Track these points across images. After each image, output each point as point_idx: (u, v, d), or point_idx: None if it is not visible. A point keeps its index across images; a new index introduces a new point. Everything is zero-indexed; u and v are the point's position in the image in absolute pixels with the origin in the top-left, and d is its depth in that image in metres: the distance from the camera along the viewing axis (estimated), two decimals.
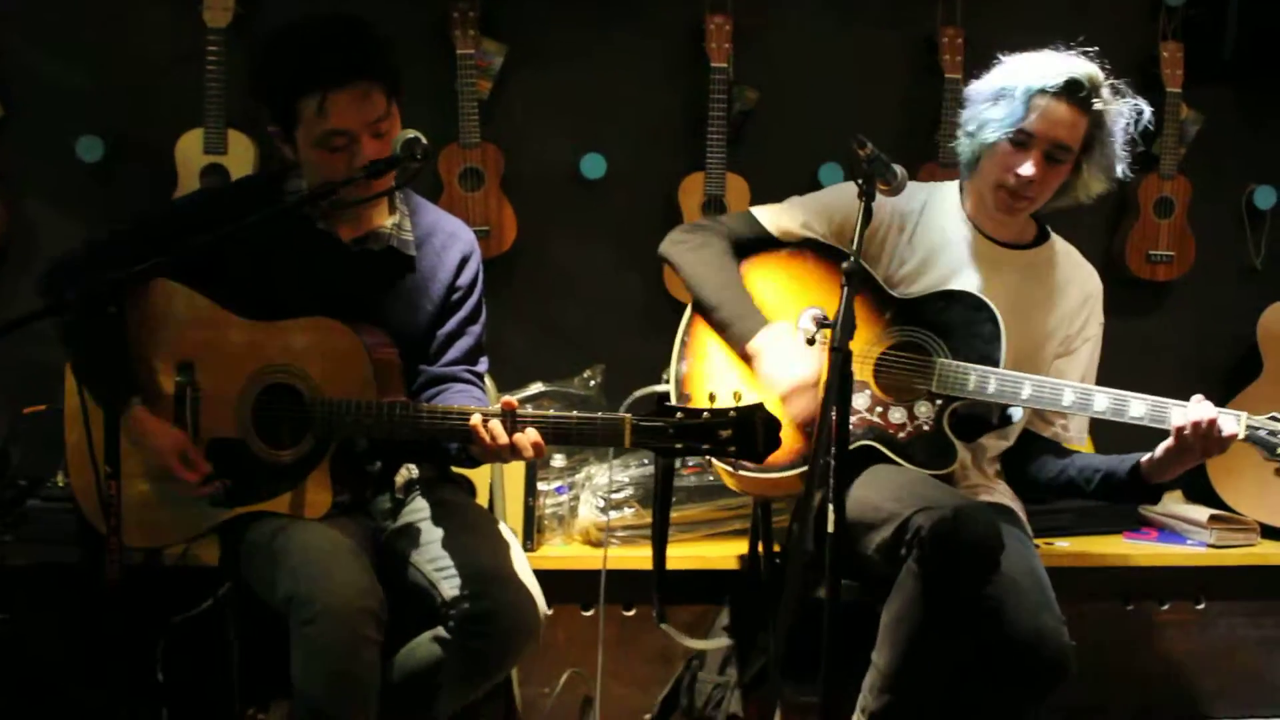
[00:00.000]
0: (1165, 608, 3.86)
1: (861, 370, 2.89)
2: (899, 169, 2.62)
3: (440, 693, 2.62)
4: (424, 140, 2.47)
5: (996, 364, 2.80)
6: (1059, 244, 3.08)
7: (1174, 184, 4.19)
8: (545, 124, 4.09)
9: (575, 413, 2.49)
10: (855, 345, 2.86)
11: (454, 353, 2.81)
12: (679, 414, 2.40)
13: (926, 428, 2.83)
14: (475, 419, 2.45)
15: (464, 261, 2.83)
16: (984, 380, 2.79)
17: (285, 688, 2.46)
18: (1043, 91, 2.80)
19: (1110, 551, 3.87)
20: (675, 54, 4.09)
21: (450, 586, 2.55)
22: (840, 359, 2.22)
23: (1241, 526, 3.93)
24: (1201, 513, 3.94)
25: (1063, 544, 3.87)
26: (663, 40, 4.10)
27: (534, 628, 2.56)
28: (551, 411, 2.49)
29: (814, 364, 2.79)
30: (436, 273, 2.80)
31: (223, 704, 2.92)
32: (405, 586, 2.63)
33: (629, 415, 2.43)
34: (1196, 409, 2.66)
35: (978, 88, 2.91)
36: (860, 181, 2.47)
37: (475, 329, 2.84)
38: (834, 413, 2.26)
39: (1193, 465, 2.73)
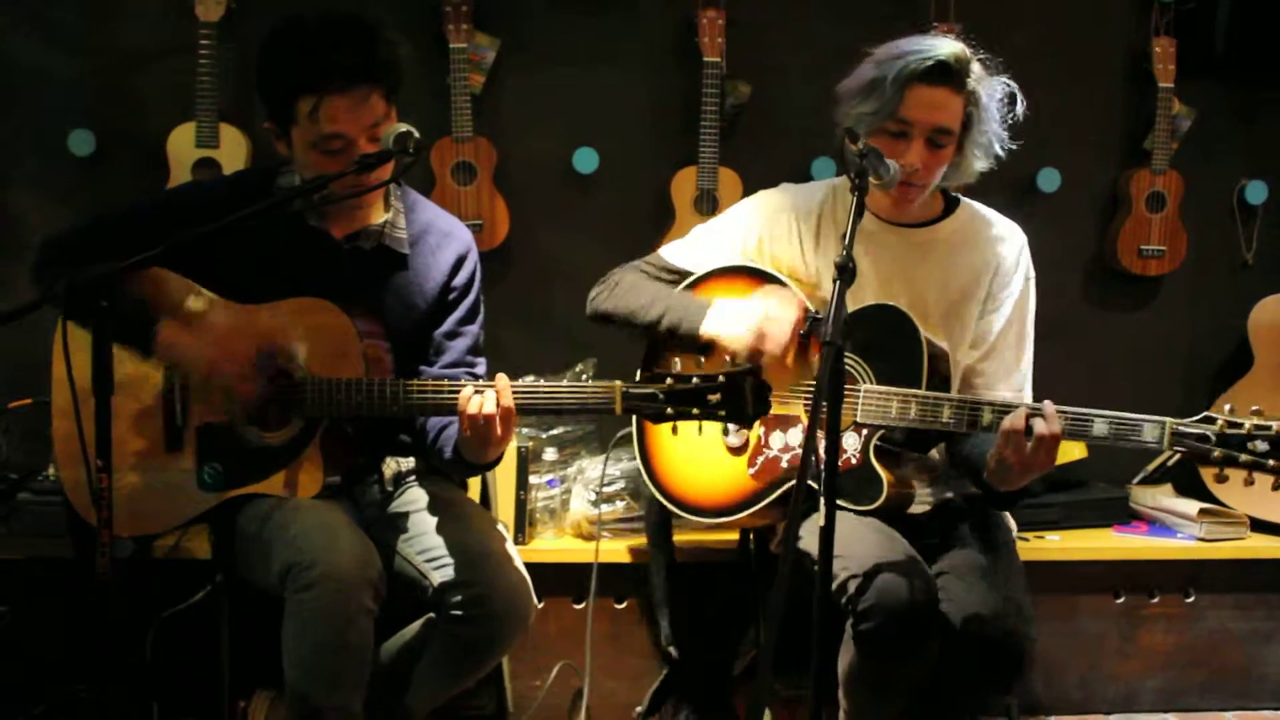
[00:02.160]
0: (1155, 600, 3.87)
1: (793, 405, 2.86)
2: (892, 163, 2.63)
3: (429, 680, 2.64)
4: (416, 134, 2.47)
5: (918, 381, 2.70)
6: (968, 210, 2.99)
7: (1166, 179, 4.20)
8: (538, 118, 4.09)
9: (566, 382, 2.52)
10: (786, 379, 2.85)
11: (452, 354, 2.81)
12: (669, 380, 2.42)
13: (854, 460, 2.75)
14: (467, 391, 2.47)
15: (459, 262, 2.82)
16: (905, 407, 2.68)
17: (268, 677, 2.46)
18: (913, 77, 2.71)
19: (1100, 545, 3.89)
20: (668, 48, 4.09)
21: (441, 575, 2.56)
22: (832, 353, 2.22)
23: (1231, 520, 3.94)
24: (1191, 506, 3.95)
25: (1053, 538, 3.89)
26: (655, 34, 4.10)
27: (525, 614, 2.57)
28: (542, 383, 2.50)
29: (763, 301, 2.79)
30: (430, 272, 2.79)
31: (212, 695, 2.92)
32: (394, 577, 2.63)
33: (619, 383, 2.46)
34: (1010, 416, 2.53)
35: (846, 85, 2.82)
36: (854, 176, 2.47)
37: (472, 329, 2.85)
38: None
39: (1025, 476, 2.57)
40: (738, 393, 2.40)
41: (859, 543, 2.62)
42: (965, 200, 3.00)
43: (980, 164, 2.85)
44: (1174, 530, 3.98)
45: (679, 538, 3.51)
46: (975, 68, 2.78)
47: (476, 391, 2.48)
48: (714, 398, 2.40)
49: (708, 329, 2.81)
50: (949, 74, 2.74)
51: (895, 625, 2.54)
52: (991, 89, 2.81)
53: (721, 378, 2.41)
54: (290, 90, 2.54)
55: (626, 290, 2.98)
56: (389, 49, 2.59)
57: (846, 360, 2.77)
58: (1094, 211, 4.34)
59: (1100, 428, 2.53)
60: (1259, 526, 3.98)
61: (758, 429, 2.89)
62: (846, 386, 2.73)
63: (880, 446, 2.75)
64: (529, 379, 3.69)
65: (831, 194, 3.00)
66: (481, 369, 2.84)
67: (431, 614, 2.61)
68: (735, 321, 2.80)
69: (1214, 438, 2.43)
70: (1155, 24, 4.16)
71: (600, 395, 2.48)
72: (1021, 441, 2.52)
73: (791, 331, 2.77)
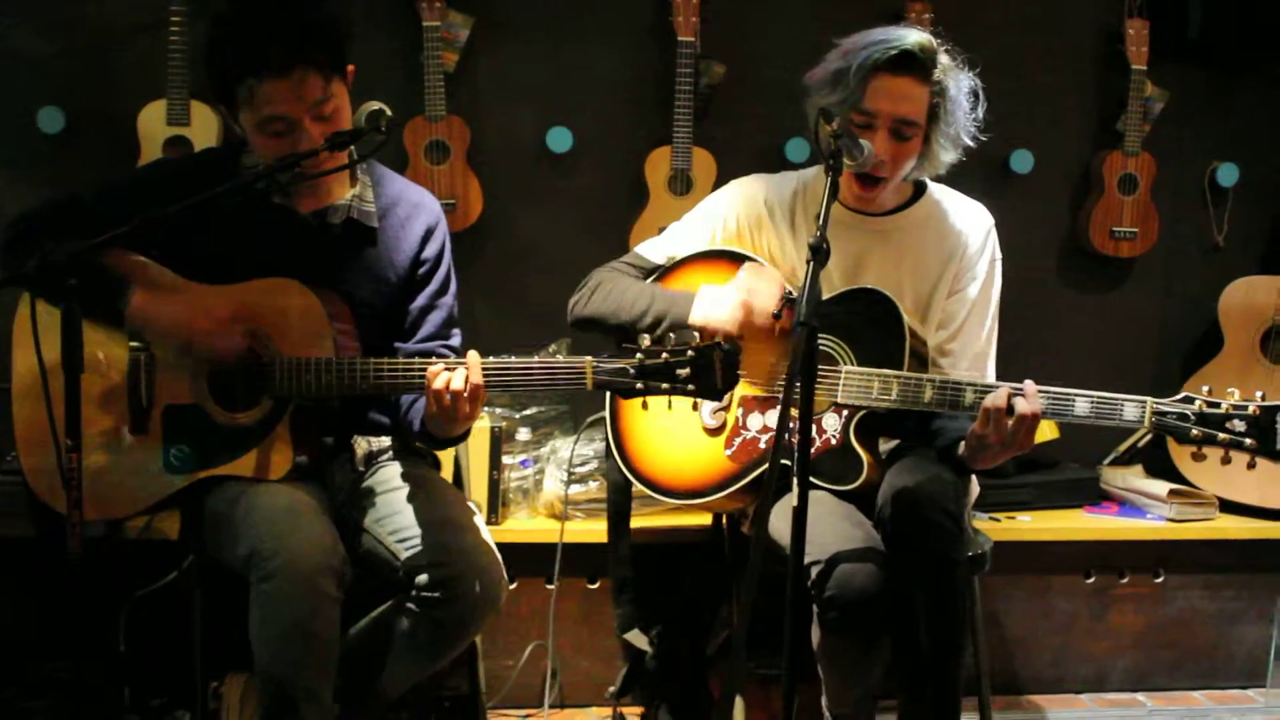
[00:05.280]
0: (1124, 580, 3.90)
1: (772, 387, 2.87)
2: (866, 144, 2.63)
3: (401, 662, 2.63)
4: (388, 112, 2.46)
5: (899, 364, 2.71)
6: (935, 194, 2.99)
7: (1138, 161, 4.21)
8: (511, 97, 4.07)
9: (537, 358, 2.52)
10: (766, 360, 2.87)
11: (428, 328, 2.80)
12: (639, 355, 2.44)
13: (834, 441, 2.76)
14: (436, 367, 2.48)
15: (428, 233, 2.81)
16: (886, 387, 2.70)
17: (242, 660, 2.46)
18: (876, 68, 2.70)
19: (1071, 525, 3.92)
20: (642, 27, 4.08)
21: (411, 555, 2.56)
22: (807, 333, 2.22)
23: (1200, 501, 3.97)
24: (1161, 487, 3.98)
25: (1024, 518, 3.91)
26: (630, 13, 4.09)
27: (495, 596, 2.57)
28: (513, 359, 2.50)
29: (745, 276, 2.82)
30: (400, 244, 2.78)
31: (184, 676, 2.91)
32: (364, 556, 2.64)
33: (589, 358, 2.47)
34: (992, 395, 2.56)
35: (813, 75, 2.82)
36: (828, 157, 2.47)
37: (446, 301, 2.84)
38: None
39: (1003, 454, 2.61)
40: (707, 366, 2.41)
41: (822, 528, 2.64)
42: (932, 184, 3.00)
43: (948, 155, 2.85)
44: (1144, 511, 4.01)
45: (652, 520, 3.53)
46: (942, 59, 2.78)
47: (447, 368, 2.48)
48: (683, 372, 2.42)
49: (697, 315, 2.80)
50: (913, 64, 2.73)
51: (854, 615, 2.58)
52: (959, 81, 2.80)
53: (690, 352, 2.42)
54: (227, 76, 2.52)
55: (608, 291, 2.96)
56: (322, 25, 2.55)
57: (828, 342, 2.79)
58: (1066, 193, 4.35)
59: (1082, 407, 2.57)
60: (1228, 507, 4.01)
61: (736, 410, 2.89)
62: (827, 367, 2.76)
63: (861, 425, 2.76)
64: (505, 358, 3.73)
65: (803, 186, 3.00)
66: (457, 341, 2.83)
67: (401, 595, 2.61)
68: (722, 302, 2.80)
69: (1193, 417, 2.49)
70: (1129, 6, 4.17)
71: (570, 371, 2.49)
72: (1003, 420, 2.54)
73: (776, 297, 2.77)
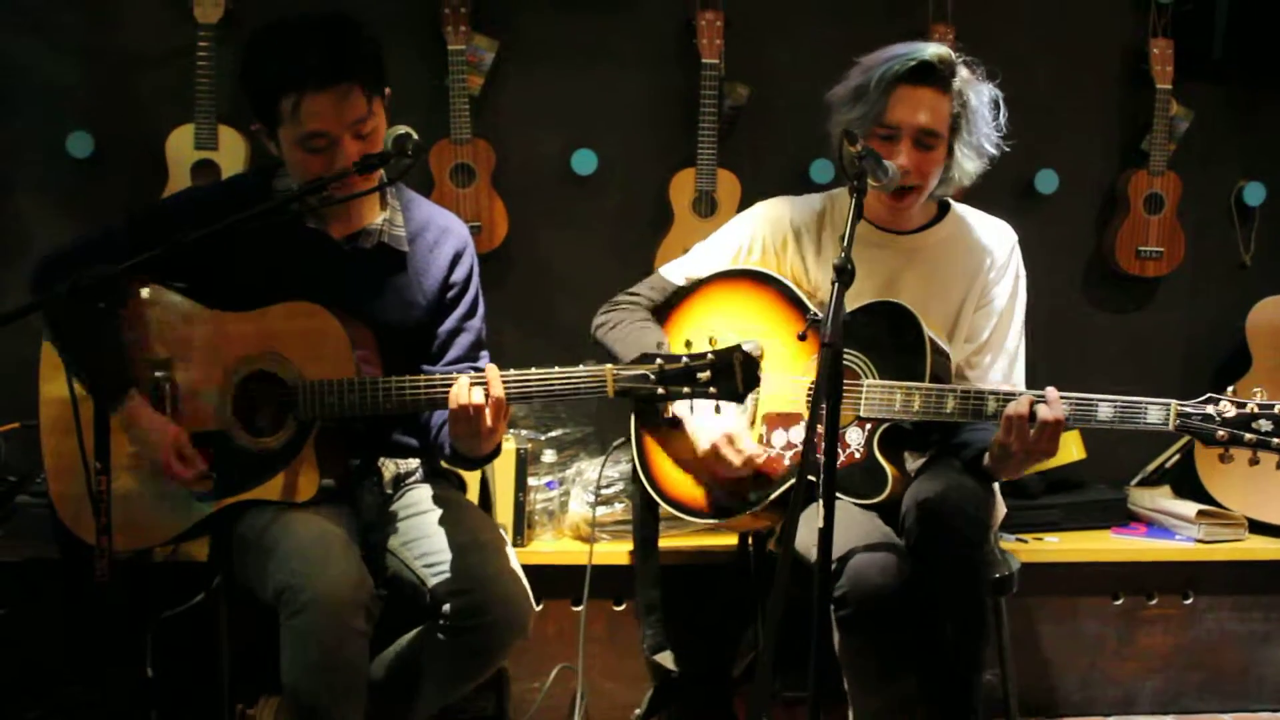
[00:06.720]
0: (1153, 602, 3.87)
1: (795, 402, 2.88)
2: (891, 165, 2.64)
3: (429, 688, 2.63)
4: (415, 136, 2.47)
5: (920, 376, 2.73)
6: (958, 213, 3.02)
7: (1164, 180, 4.20)
8: (536, 120, 4.09)
9: (557, 367, 2.53)
10: (789, 374, 2.88)
11: (455, 351, 2.81)
12: (659, 361, 2.44)
13: (859, 455, 2.77)
14: (461, 381, 2.48)
15: (457, 257, 2.82)
16: (909, 399, 2.71)
17: (273, 684, 2.47)
18: (896, 80, 2.75)
19: (1098, 546, 3.89)
20: (667, 50, 4.09)
21: (438, 581, 2.56)
22: (830, 355, 2.22)
23: (1229, 521, 3.94)
24: (1190, 508, 3.95)
25: (1052, 539, 3.89)
26: (654, 36, 4.10)
27: (523, 623, 2.57)
28: (534, 369, 2.50)
29: (734, 418, 2.81)
30: (429, 269, 2.79)
31: (212, 699, 2.92)
32: (392, 581, 2.64)
33: (610, 366, 2.47)
34: (1014, 403, 2.58)
35: (835, 93, 2.86)
36: (852, 178, 2.47)
37: (474, 324, 2.85)
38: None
39: (1026, 463, 2.64)
40: (727, 370, 2.41)
41: (838, 529, 2.61)
42: (955, 204, 3.04)
43: (972, 165, 2.87)
44: (1172, 532, 3.99)
45: (678, 540, 3.52)
46: (961, 70, 2.81)
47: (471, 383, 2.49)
48: (704, 376, 2.42)
49: (678, 410, 2.88)
50: (933, 75, 2.77)
51: (868, 609, 2.57)
52: (979, 91, 2.83)
53: (710, 355, 2.42)
54: (271, 90, 2.54)
55: (624, 335, 2.99)
56: (366, 45, 2.57)
57: (850, 356, 2.79)
58: (1092, 213, 4.34)
59: (1105, 411, 2.59)
60: (1257, 528, 3.98)
61: (760, 428, 2.89)
62: (849, 381, 2.76)
63: (885, 439, 2.76)
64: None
65: (830, 204, 3.03)
66: (484, 363, 2.81)
67: (429, 621, 2.61)
68: (702, 419, 2.83)
69: (1218, 418, 2.49)
70: (1153, 25, 4.16)
71: (592, 379, 2.49)
72: (1025, 427, 2.56)
73: (743, 466, 2.81)
